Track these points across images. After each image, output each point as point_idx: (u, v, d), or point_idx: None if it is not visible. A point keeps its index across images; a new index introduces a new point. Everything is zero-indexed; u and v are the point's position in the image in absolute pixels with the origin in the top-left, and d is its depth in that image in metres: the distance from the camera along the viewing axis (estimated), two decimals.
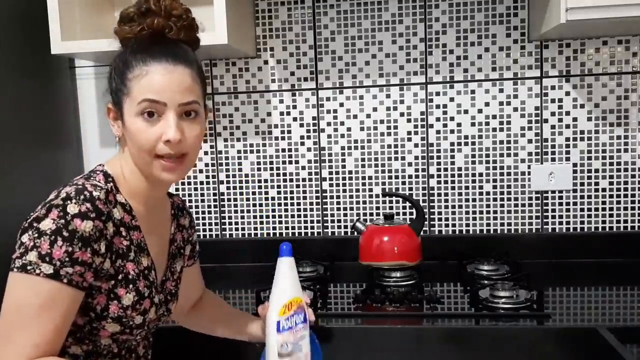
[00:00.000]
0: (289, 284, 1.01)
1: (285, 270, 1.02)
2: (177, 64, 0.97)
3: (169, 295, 1.11)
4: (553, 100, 1.74)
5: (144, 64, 0.96)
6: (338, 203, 1.85)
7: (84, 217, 0.89)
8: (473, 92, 1.76)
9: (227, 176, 1.88)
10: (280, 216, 1.87)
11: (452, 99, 1.77)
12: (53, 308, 0.87)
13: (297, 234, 1.87)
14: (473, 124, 1.77)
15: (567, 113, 1.74)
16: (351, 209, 1.84)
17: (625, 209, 1.75)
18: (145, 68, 0.96)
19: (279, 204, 1.87)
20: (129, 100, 0.96)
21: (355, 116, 1.81)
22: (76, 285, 0.88)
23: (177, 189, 1.89)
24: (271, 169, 1.86)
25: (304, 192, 1.86)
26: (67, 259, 0.87)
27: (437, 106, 1.78)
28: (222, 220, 1.90)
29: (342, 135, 1.82)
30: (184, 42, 1.02)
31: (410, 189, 1.82)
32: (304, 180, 1.86)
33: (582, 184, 1.76)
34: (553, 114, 1.74)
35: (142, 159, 0.98)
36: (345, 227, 1.85)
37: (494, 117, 1.76)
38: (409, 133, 1.80)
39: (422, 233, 1.64)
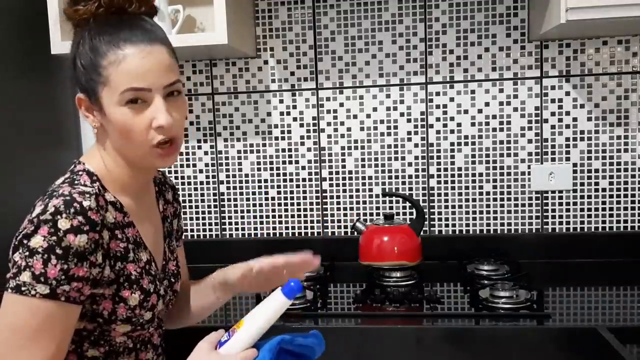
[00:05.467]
0: (261, 321, 0.93)
1: (275, 308, 0.93)
2: (153, 43, 0.91)
3: (172, 278, 1.09)
4: (553, 100, 1.74)
5: (118, 47, 0.89)
6: (338, 203, 1.85)
7: (78, 231, 0.85)
8: (473, 92, 1.76)
9: (227, 176, 1.88)
10: (280, 216, 1.87)
11: (452, 99, 1.77)
12: (53, 327, 0.85)
13: (297, 234, 1.87)
14: (473, 124, 1.77)
15: (567, 113, 1.74)
16: (351, 209, 1.84)
17: (625, 209, 1.75)
18: (120, 52, 0.89)
19: (279, 204, 1.87)
20: (108, 89, 0.90)
21: (355, 116, 1.81)
22: (74, 301, 0.86)
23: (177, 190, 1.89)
24: (271, 169, 1.86)
25: (304, 192, 1.86)
26: (63, 277, 0.84)
27: (437, 106, 1.78)
28: (222, 220, 1.90)
29: (342, 135, 1.82)
30: (145, 14, 0.97)
31: (410, 189, 1.82)
32: (304, 180, 1.85)
33: (582, 184, 1.76)
34: (553, 114, 1.74)
35: (134, 150, 0.94)
36: (345, 227, 1.85)
37: (494, 117, 1.76)
38: (409, 133, 1.80)
39: (422, 233, 1.64)
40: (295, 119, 1.84)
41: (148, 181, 1.08)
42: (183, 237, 1.24)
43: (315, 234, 1.87)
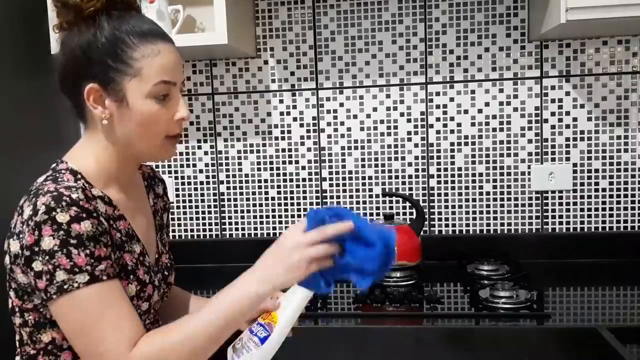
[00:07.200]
0: (293, 309, 0.97)
1: (303, 296, 0.97)
2: (173, 43, 0.98)
3: (166, 270, 1.10)
4: (553, 100, 1.74)
5: (150, 42, 0.93)
6: (338, 203, 1.85)
7: (79, 219, 0.86)
8: (473, 92, 1.76)
9: (227, 176, 1.88)
10: (280, 216, 1.87)
11: (452, 99, 1.77)
12: (112, 305, 0.87)
13: None
14: (473, 124, 1.77)
15: (567, 113, 1.74)
16: (351, 209, 1.84)
17: (625, 209, 1.75)
18: (154, 47, 0.93)
19: (279, 204, 1.87)
20: (138, 80, 0.93)
21: (355, 116, 1.81)
22: (114, 276, 0.89)
23: (177, 189, 1.89)
24: (271, 169, 1.86)
25: (304, 192, 1.86)
26: (92, 261, 0.86)
27: (437, 106, 1.78)
28: (222, 220, 1.90)
29: (342, 135, 1.82)
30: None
31: (410, 189, 1.82)
32: (304, 180, 1.85)
33: (582, 184, 1.76)
34: (553, 114, 1.74)
35: (147, 140, 0.97)
36: None
37: (494, 117, 1.76)
38: (409, 133, 1.80)
39: (422, 233, 1.64)
40: (295, 119, 1.84)
41: (134, 174, 1.09)
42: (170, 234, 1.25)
43: None
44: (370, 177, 1.83)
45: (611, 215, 1.75)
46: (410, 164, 1.81)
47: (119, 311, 0.87)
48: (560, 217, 1.77)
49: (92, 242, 0.86)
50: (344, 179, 1.84)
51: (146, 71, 0.93)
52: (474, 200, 1.80)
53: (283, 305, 0.98)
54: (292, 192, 1.86)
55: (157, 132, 0.96)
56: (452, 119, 1.78)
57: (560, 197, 1.77)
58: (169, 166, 1.90)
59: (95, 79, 0.93)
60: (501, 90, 1.75)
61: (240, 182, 1.88)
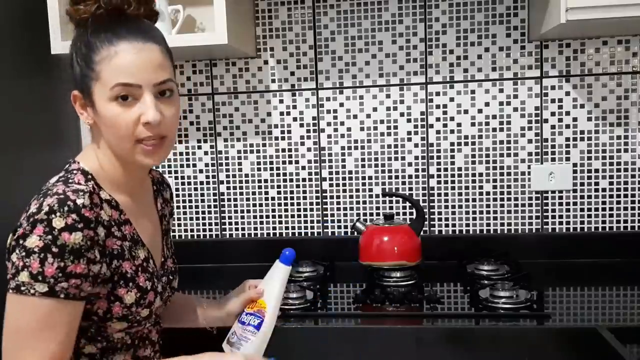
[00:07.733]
0: (277, 290, 1.07)
1: (280, 277, 1.07)
2: (146, 42, 0.92)
3: (171, 275, 1.10)
4: (553, 100, 1.74)
5: (111, 44, 0.90)
6: (338, 203, 1.85)
7: (72, 229, 0.85)
8: (473, 92, 1.76)
9: (227, 176, 1.88)
10: (280, 216, 1.87)
11: (452, 99, 1.77)
12: (54, 324, 0.86)
13: (297, 234, 1.87)
14: (473, 124, 1.77)
15: (567, 113, 1.74)
16: (351, 209, 1.84)
17: (625, 209, 1.75)
18: (113, 48, 0.90)
19: (279, 204, 1.87)
20: (99, 85, 0.91)
21: (355, 116, 1.81)
22: (74, 298, 0.87)
23: (177, 189, 1.89)
24: (271, 169, 1.86)
25: (304, 192, 1.86)
26: (60, 275, 0.85)
27: (437, 106, 1.78)
28: (222, 220, 1.90)
29: (342, 135, 1.82)
30: (145, 17, 0.98)
31: (410, 189, 1.82)
32: (304, 180, 1.85)
33: (582, 184, 1.76)
34: (553, 114, 1.74)
35: (121, 145, 0.94)
36: (345, 227, 1.85)
37: (494, 117, 1.76)
38: (409, 133, 1.80)
39: (422, 233, 1.64)
40: (295, 119, 1.84)
41: (142, 179, 1.08)
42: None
43: (315, 234, 1.87)
44: (370, 177, 1.83)
45: (611, 215, 1.75)
46: (410, 164, 1.81)
47: (55, 334, 0.86)
48: (560, 217, 1.77)
49: (73, 255, 0.85)
50: (344, 179, 1.84)
51: (104, 74, 0.91)
52: (474, 200, 1.80)
53: (267, 290, 1.06)
54: (292, 192, 1.86)
55: (122, 136, 0.93)
56: (452, 119, 1.78)
57: (560, 197, 1.77)
58: (169, 166, 1.90)
59: (77, 86, 0.95)
60: (501, 90, 1.75)
61: (240, 182, 1.88)
